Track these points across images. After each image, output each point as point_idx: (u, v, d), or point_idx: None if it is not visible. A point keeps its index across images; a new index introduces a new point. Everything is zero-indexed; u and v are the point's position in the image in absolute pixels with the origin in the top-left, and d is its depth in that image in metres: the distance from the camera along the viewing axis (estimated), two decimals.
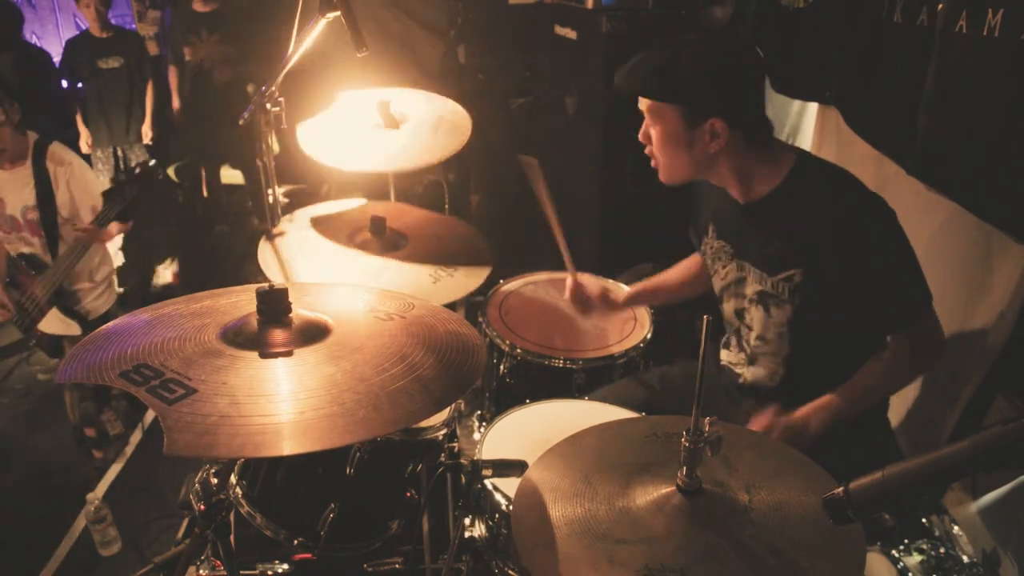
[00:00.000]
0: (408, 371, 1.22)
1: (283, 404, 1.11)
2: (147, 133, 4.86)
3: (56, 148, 2.97)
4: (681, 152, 1.62)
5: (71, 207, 2.98)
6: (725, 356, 1.92)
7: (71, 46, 4.78)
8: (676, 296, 2.19)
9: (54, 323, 3.04)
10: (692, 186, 1.83)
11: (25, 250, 3.03)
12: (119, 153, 4.86)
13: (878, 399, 1.74)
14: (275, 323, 1.28)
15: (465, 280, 2.10)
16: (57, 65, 4.83)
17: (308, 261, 2.12)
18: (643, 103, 1.64)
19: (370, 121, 2.36)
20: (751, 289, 1.73)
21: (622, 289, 2.27)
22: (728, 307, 1.83)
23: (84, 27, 4.80)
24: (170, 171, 5.13)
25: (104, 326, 1.34)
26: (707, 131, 1.56)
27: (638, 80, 1.60)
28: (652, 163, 1.71)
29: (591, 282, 2.23)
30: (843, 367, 1.65)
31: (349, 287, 1.69)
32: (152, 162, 2.93)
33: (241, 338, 1.27)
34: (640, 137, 1.69)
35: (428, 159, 2.27)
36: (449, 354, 1.31)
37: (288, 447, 1.05)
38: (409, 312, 1.46)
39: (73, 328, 3.04)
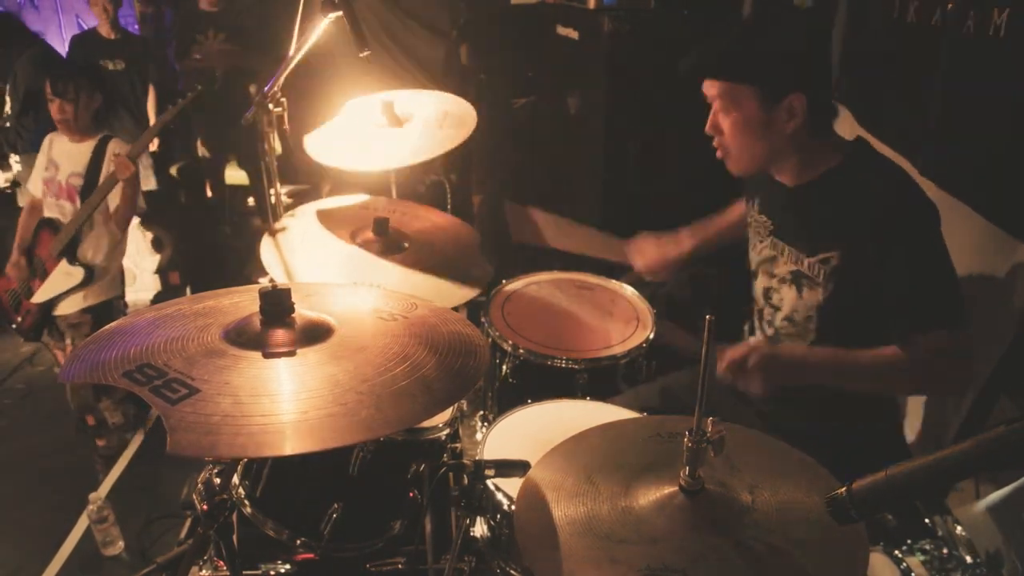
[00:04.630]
0: (411, 371, 1.23)
1: (286, 404, 1.12)
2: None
3: (116, 141, 3.30)
4: (757, 137, 1.60)
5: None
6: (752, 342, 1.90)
7: (78, 43, 4.78)
8: (726, 238, 2.15)
9: (58, 280, 3.16)
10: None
11: (53, 215, 3.26)
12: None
13: (872, 387, 1.64)
14: (278, 323, 1.29)
15: (468, 283, 2.09)
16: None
17: (310, 259, 2.12)
18: (714, 89, 1.61)
19: (375, 122, 2.36)
20: (785, 268, 1.71)
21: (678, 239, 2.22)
22: (759, 284, 1.82)
23: (87, 28, 4.80)
24: (172, 170, 5.14)
25: (107, 326, 1.35)
26: (785, 109, 1.55)
27: (712, 63, 1.57)
28: (718, 154, 1.68)
29: (643, 244, 2.23)
30: None
31: (352, 287, 1.69)
32: (198, 88, 3.18)
33: (244, 338, 1.27)
34: (708, 129, 1.66)
35: (435, 151, 2.27)
36: (451, 355, 1.31)
37: (290, 447, 1.05)
38: (412, 312, 1.46)
39: (75, 276, 3.17)
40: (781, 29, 1.54)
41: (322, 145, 2.30)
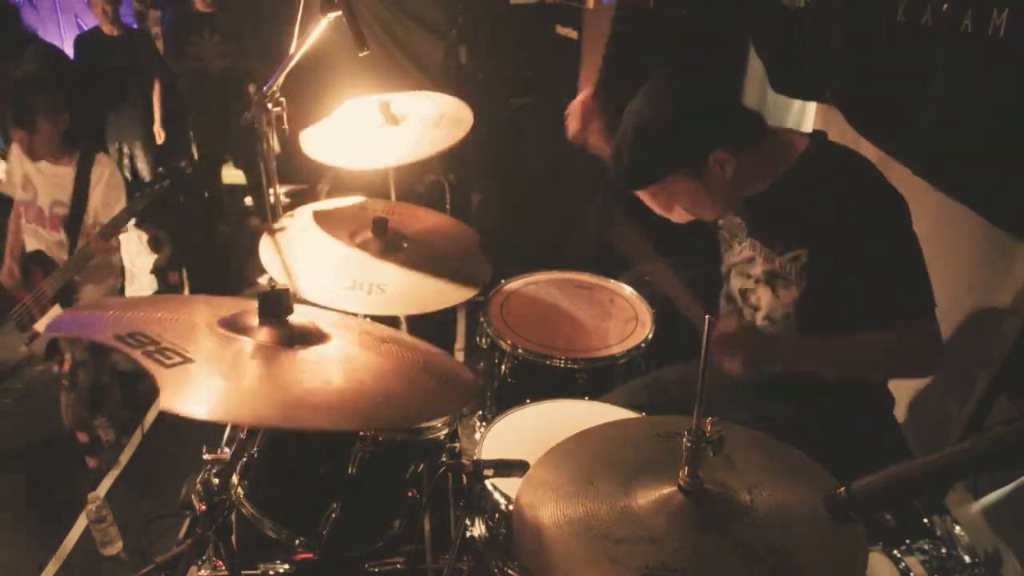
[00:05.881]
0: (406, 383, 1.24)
1: (283, 387, 1.13)
2: (160, 133, 4.85)
3: (101, 156, 3.06)
4: (706, 198, 1.64)
5: (98, 214, 3.03)
6: None
7: (82, 43, 4.78)
8: None
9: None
10: None
11: (39, 247, 3.08)
12: (125, 151, 4.86)
13: (856, 370, 1.66)
14: (275, 323, 1.29)
15: (465, 282, 2.09)
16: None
17: (309, 259, 2.12)
18: (643, 194, 1.68)
19: (372, 121, 2.36)
20: (760, 268, 1.72)
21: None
22: (735, 285, 1.83)
23: (85, 27, 4.80)
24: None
25: (105, 299, 1.35)
26: (714, 166, 1.58)
27: (628, 183, 1.63)
28: (689, 216, 1.73)
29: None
30: None
31: (337, 316, 1.69)
32: (183, 164, 3.02)
33: (237, 328, 1.29)
34: (660, 212, 1.72)
35: (431, 149, 2.27)
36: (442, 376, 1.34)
37: (283, 418, 1.08)
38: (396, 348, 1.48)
39: None
40: (653, 116, 1.55)
41: (318, 143, 2.29)
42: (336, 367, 1.27)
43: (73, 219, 3.02)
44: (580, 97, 2.18)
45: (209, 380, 1.10)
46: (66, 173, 3.02)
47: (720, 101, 1.64)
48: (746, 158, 1.60)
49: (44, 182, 3.04)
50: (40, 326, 3.02)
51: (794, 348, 1.65)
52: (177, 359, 1.10)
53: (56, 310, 3.01)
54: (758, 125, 1.66)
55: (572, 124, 2.20)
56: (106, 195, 3.03)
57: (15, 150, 3.08)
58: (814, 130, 1.70)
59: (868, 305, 1.57)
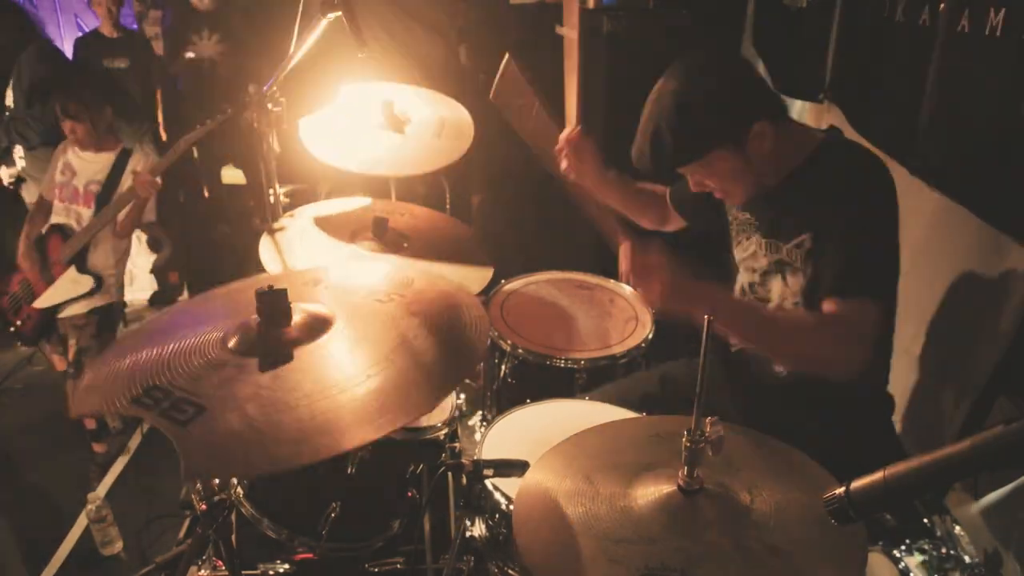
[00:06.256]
0: (410, 358, 1.23)
1: (290, 412, 1.11)
2: (162, 135, 4.86)
3: (136, 158, 3.30)
4: (745, 173, 1.62)
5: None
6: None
7: (82, 45, 4.77)
8: (631, 208, 2.16)
9: (65, 287, 3.16)
10: None
11: (63, 220, 3.25)
12: None
13: (779, 343, 1.57)
14: (275, 325, 1.28)
15: (466, 283, 2.09)
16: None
17: (309, 259, 2.12)
18: (686, 170, 1.65)
19: (373, 120, 2.35)
20: (769, 259, 1.73)
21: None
22: (743, 279, 1.83)
23: (85, 28, 4.80)
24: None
25: (109, 350, 1.34)
26: (754, 139, 1.56)
27: (667, 161, 1.58)
28: (716, 195, 1.72)
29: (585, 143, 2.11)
30: None
31: (350, 265, 1.67)
32: (228, 111, 3.01)
33: (244, 346, 1.27)
34: (695, 190, 1.70)
35: (429, 166, 2.27)
36: (450, 333, 1.33)
37: (306, 456, 1.04)
38: (408, 290, 1.46)
39: (84, 284, 3.17)
40: (696, 88, 1.54)
41: (319, 138, 2.28)
42: (347, 358, 1.25)
43: (104, 195, 3.23)
44: (565, 135, 2.15)
45: (224, 429, 1.08)
46: (106, 159, 3.26)
47: (754, 75, 1.64)
48: (782, 132, 1.60)
49: (84, 166, 3.27)
50: (41, 302, 3.15)
51: (715, 298, 1.56)
52: (190, 411, 1.10)
53: (69, 274, 3.16)
54: (785, 104, 1.67)
55: (563, 164, 2.16)
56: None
57: (60, 146, 3.33)
58: (830, 125, 1.70)
59: (826, 271, 1.56)
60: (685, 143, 1.56)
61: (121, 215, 3.19)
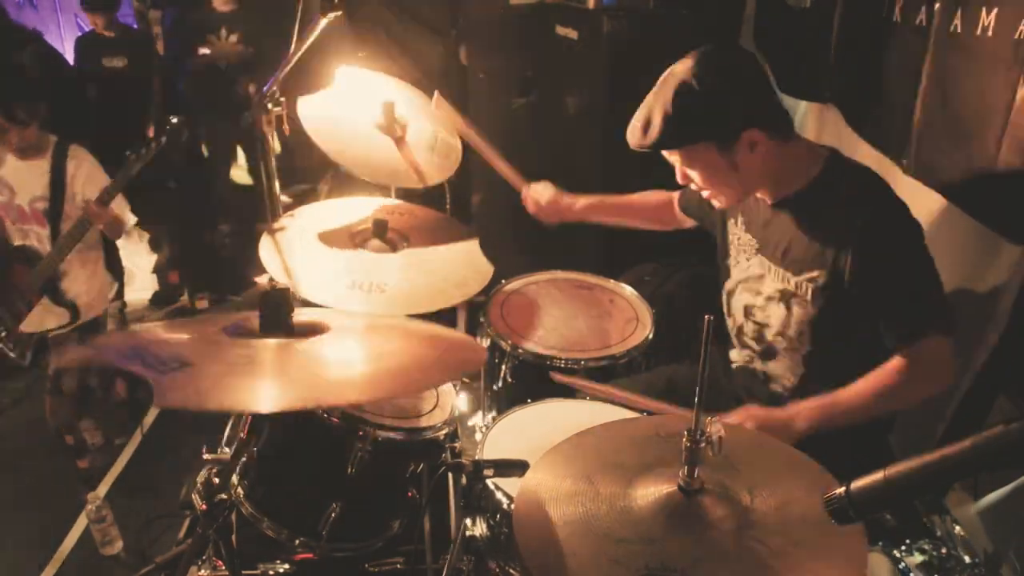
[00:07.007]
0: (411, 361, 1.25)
1: (277, 378, 1.14)
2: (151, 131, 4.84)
3: (75, 148, 3.02)
4: (729, 176, 1.62)
5: (78, 203, 2.97)
6: (736, 356, 1.91)
7: (82, 45, 4.77)
8: (632, 223, 2.30)
9: (40, 317, 2.97)
10: None
11: (21, 241, 3.00)
12: (127, 152, 4.84)
13: (879, 412, 1.63)
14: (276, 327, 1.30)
15: (467, 283, 2.09)
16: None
17: (309, 259, 2.12)
18: (671, 155, 1.64)
19: (371, 114, 2.33)
20: (772, 287, 1.72)
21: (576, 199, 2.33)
22: (739, 300, 1.83)
23: (85, 28, 4.79)
24: None
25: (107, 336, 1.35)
26: (744, 146, 1.56)
27: (655, 138, 1.57)
28: (704, 195, 1.71)
29: (543, 190, 2.34)
30: (866, 367, 1.59)
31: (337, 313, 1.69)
32: (174, 120, 2.91)
33: (242, 331, 1.30)
34: (680, 180, 1.69)
35: (420, 182, 2.28)
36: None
37: (273, 403, 1.08)
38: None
39: (61, 317, 2.98)
40: (701, 78, 1.52)
41: (317, 121, 2.22)
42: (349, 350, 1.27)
43: (54, 211, 2.96)
44: (549, 198, 2.31)
45: (205, 377, 1.10)
46: (40, 166, 2.95)
47: (764, 84, 1.63)
48: (777, 149, 1.60)
49: (19, 181, 2.97)
50: (27, 326, 2.94)
51: (802, 421, 1.57)
52: (175, 365, 1.11)
53: (43, 305, 2.95)
54: (791, 122, 1.66)
55: (545, 218, 2.34)
56: (88, 181, 2.97)
57: None
58: (830, 148, 1.69)
59: (885, 324, 1.56)
60: (672, 127, 1.55)
61: (94, 235, 2.97)
